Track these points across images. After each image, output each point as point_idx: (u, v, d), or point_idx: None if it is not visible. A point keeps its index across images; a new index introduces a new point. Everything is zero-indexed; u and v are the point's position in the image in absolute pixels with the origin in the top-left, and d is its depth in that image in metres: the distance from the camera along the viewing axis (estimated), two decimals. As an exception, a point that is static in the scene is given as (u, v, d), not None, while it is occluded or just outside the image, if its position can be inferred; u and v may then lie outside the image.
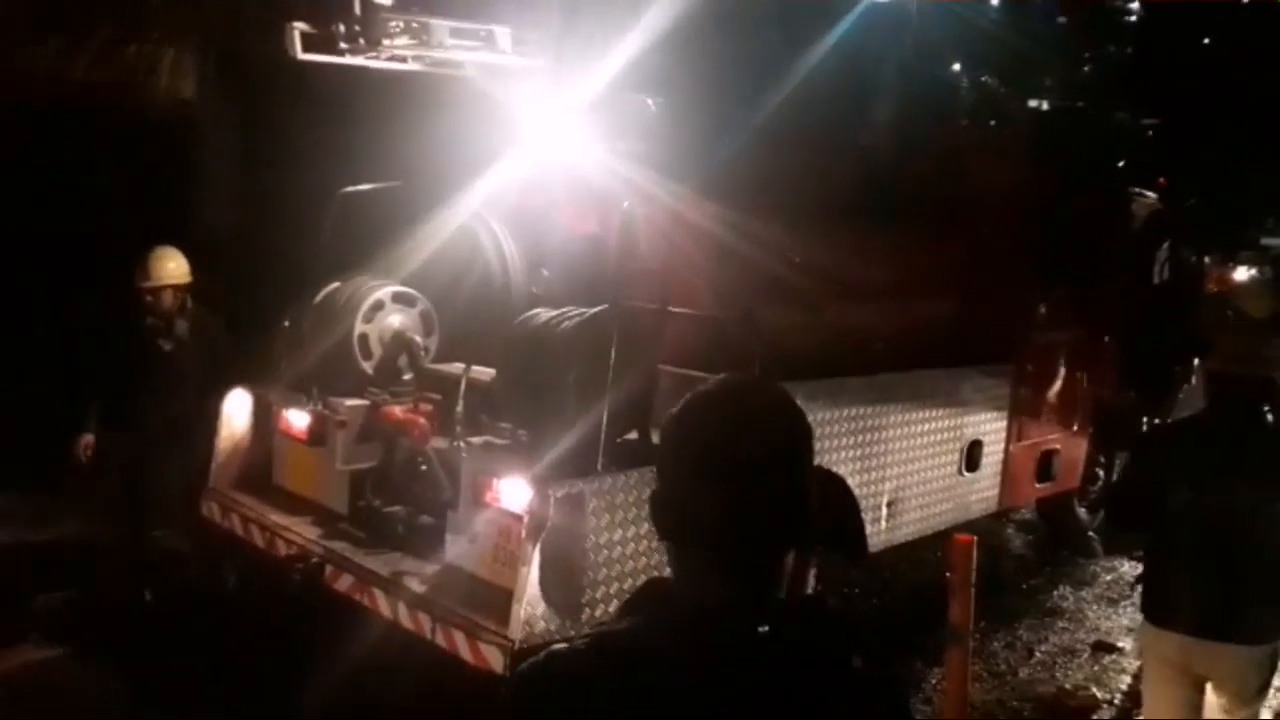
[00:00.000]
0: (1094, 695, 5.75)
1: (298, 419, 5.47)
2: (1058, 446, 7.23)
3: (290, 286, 5.72)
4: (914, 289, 6.15)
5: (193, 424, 5.78)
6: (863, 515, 5.58)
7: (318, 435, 5.39)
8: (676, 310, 5.09)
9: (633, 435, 4.72)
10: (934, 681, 5.38)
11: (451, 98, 5.41)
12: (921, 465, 5.93)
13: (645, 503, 4.56)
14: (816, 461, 1.57)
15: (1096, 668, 6.14)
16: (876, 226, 5.89)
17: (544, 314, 4.81)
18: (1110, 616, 6.93)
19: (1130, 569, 7.53)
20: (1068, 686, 5.84)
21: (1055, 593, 7.26)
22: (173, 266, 5.94)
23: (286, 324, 5.68)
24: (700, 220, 5.16)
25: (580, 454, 4.31)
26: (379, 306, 5.51)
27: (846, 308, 5.62)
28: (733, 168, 5.27)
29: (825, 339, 5.42)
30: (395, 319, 5.56)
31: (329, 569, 4.82)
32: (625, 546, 4.38)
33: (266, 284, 5.79)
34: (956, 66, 8.63)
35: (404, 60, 5.26)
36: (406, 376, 5.48)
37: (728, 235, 5.09)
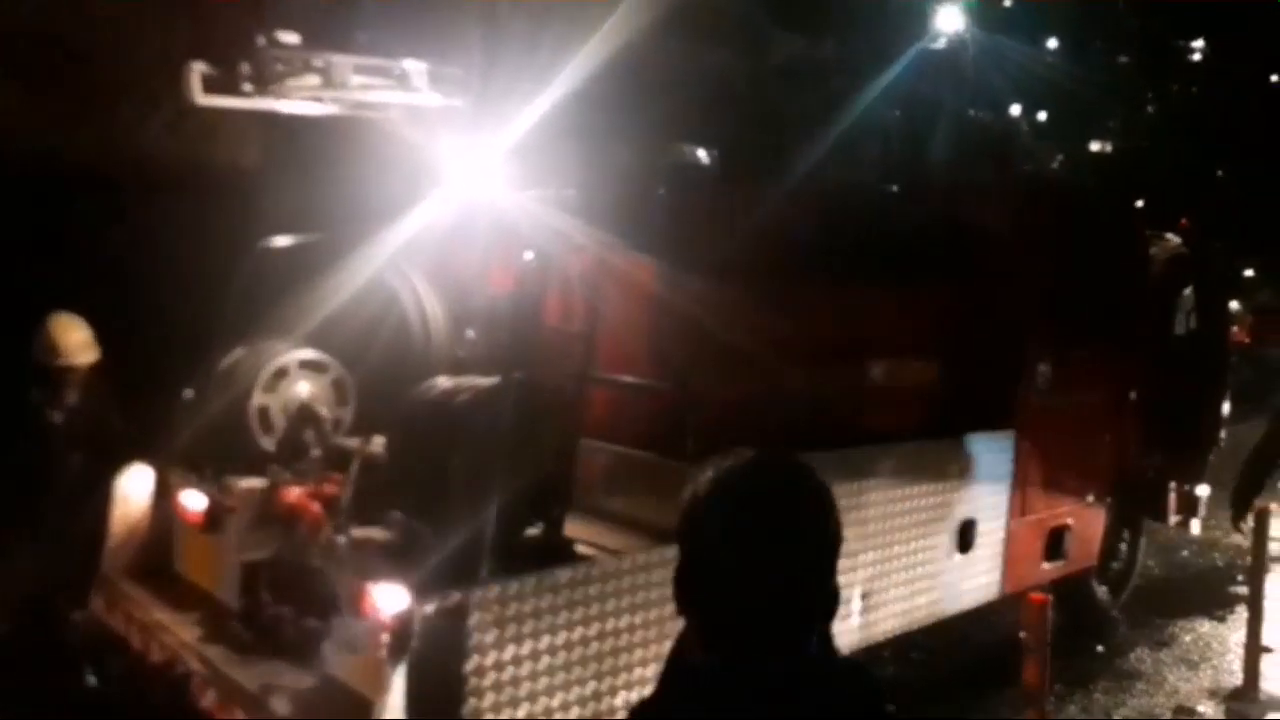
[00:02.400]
0: None
1: (194, 501, 4.76)
2: (1069, 521, 6.32)
3: (197, 351, 5.04)
4: (897, 348, 5.33)
5: (83, 501, 5.10)
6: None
7: (213, 520, 4.68)
8: (603, 378, 4.35)
9: (537, 529, 3.95)
10: None
11: (365, 142, 4.73)
12: (903, 550, 5.07)
13: (551, 612, 3.86)
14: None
15: None
16: (853, 279, 5.10)
17: (442, 383, 4.07)
18: (1190, 679, 6.55)
19: (1210, 628, 7.23)
20: None
21: (1133, 655, 6.86)
22: (82, 339, 5.27)
23: (189, 393, 4.99)
24: (638, 276, 4.42)
25: (465, 556, 3.55)
26: (282, 374, 4.81)
27: (814, 372, 4.81)
28: (681, 216, 4.54)
29: (787, 408, 4.61)
30: (301, 388, 4.85)
31: (196, 680, 4.09)
32: (520, 667, 3.60)
33: (172, 348, 5.12)
34: (1015, 109, 7.90)
35: (314, 102, 4.62)
36: (315, 453, 4.76)
37: (670, 293, 4.34)
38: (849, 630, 4.87)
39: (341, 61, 4.41)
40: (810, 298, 4.81)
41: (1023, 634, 4.31)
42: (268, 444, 4.75)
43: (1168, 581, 8.50)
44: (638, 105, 4.82)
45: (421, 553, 3.70)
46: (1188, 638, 7.22)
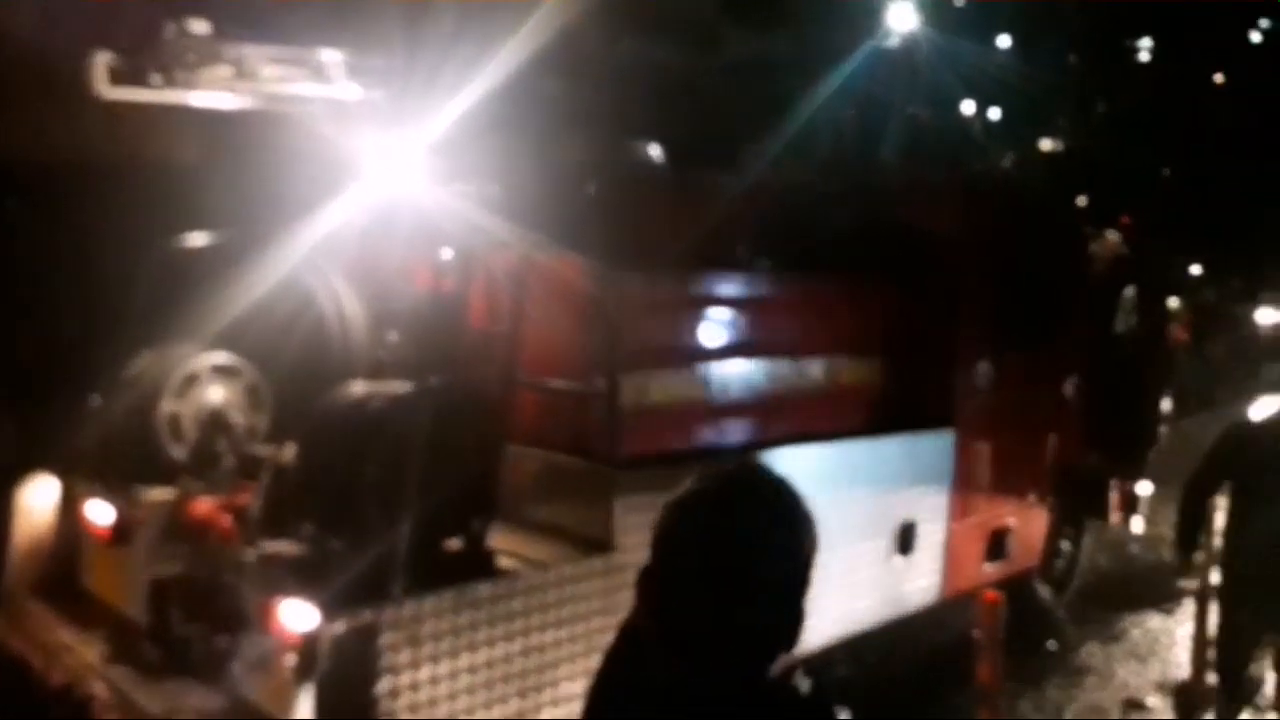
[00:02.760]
0: None
1: (100, 513, 4.52)
2: (1011, 522, 6.25)
3: (104, 355, 4.79)
4: (835, 347, 5.21)
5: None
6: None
7: (121, 533, 4.44)
8: (531, 381, 4.18)
9: (458, 542, 3.77)
10: None
11: (279, 136, 4.51)
12: (840, 554, 4.94)
13: (470, 629, 3.68)
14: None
15: None
16: (790, 277, 4.98)
17: (356, 389, 3.87)
18: (1139, 673, 6.56)
19: (1159, 623, 7.29)
20: None
21: (1084, 650, 6.82)
22: None
23: (96, 399, 4.75)
24: (565, 275, 4.25)
25: (377, 571, 3.36)
26: (193, 380, 4.58)
27: (748, 373, 4.68)
28: (611, 213, 4.39)
29: (720, 411, 4.48)
30: (213, 394, 4.62)
31: (98, 704, 3.86)
32: (438, 687, 3.42)
33: (77, 352, 4.86)
34: (968, 107, 7.81)
35: (227, 94, 4.40)
36: (229, 462, 4.54)
37: (599, 292, 4.17)
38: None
39: (255, 52, 4.20)
40: (745, 296, 4.67)
41: (976, 632, 4.32)
42: (179, 453, 4.53)
43: (1116, 577, 8.43)
44: (571, 99, 4.63)
45: (333, 568, 3.52)
46: (1136, 632, 7.21)
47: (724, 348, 4.52)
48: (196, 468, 4.48)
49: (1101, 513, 7.31)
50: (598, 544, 3.92)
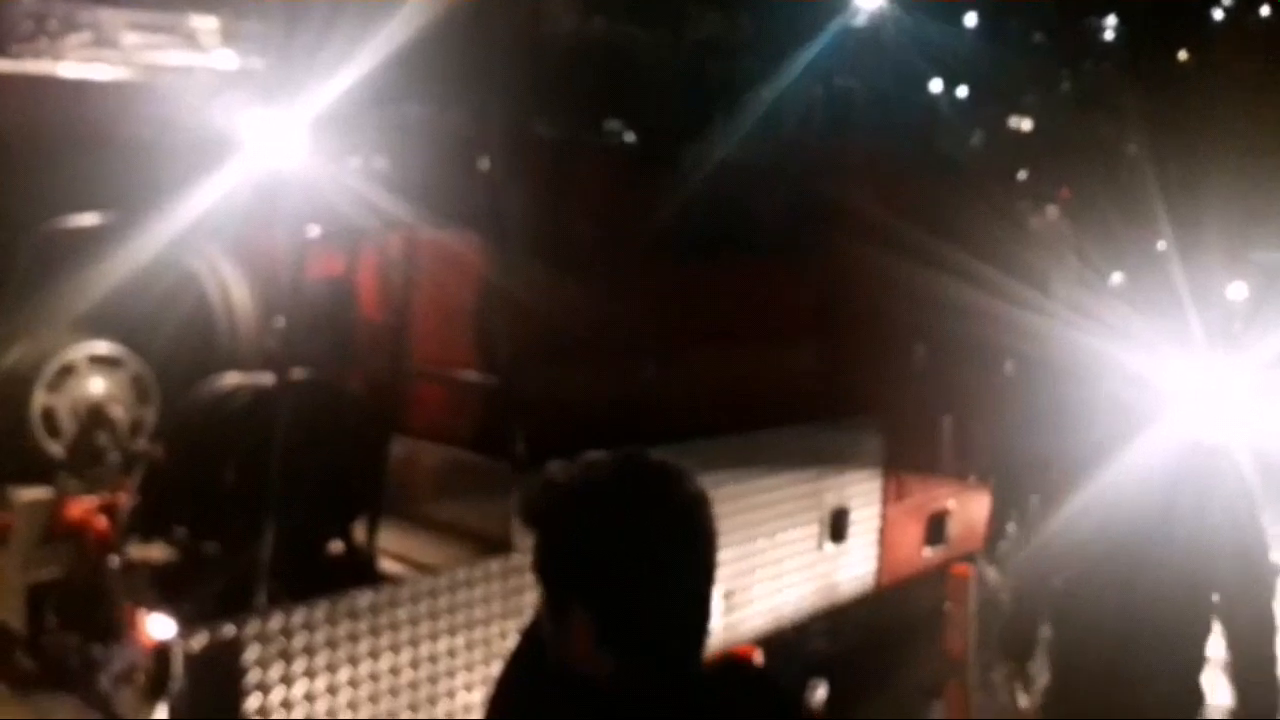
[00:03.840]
0: None
1: (-28, 515, 4.21)
2: (950, 505, 6.06)
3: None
4: (755, 332, 4.97)
5: None
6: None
7: (-2, 535, 4.14)
8: (423, 371, 3.91)
9: (340, 546, 3.50)
10: (935, 716, 5.02)
11: (152, 109, 4.19)
12: (768, 544, 4.73)
13: (350, 641, 3.41)
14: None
15: None
16: (704, 258, 4.72)
17: (226, 382, 3.57)
18: None
19: None
20: None
21: None
22: None
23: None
24: (458, 257, 3.98)
25: (241, 579, 3.09)
26: (69, 371, 4.25)
27: (661, 361, 4.43)
28: (508, 190, 4.10)
29: (629, 403, 4.22)
30: (93, 386, 4.30)
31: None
32: (315, 704, 3.17)
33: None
34: (936, 85, 7.52)
35: (93, 64, 4.07)
36: (113, 458, 4.24)
37: (496, 276, 3.90)
38: (711, 631, 4.52)
39: (115, 17, 3.88)
40: (656, 280, 4.41)
41: (947, 605, 4.34)
42: (55, 449, 4.22)
43: None
44: (476, 68, 4.33)
45: (198, 576, 3.25)
46: None
47: (634, 334, 4.26)
48: (75, 465, 4.18)
49: (1042, 491, 7.14)
50: (496, 545, 3.67)
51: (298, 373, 3.49)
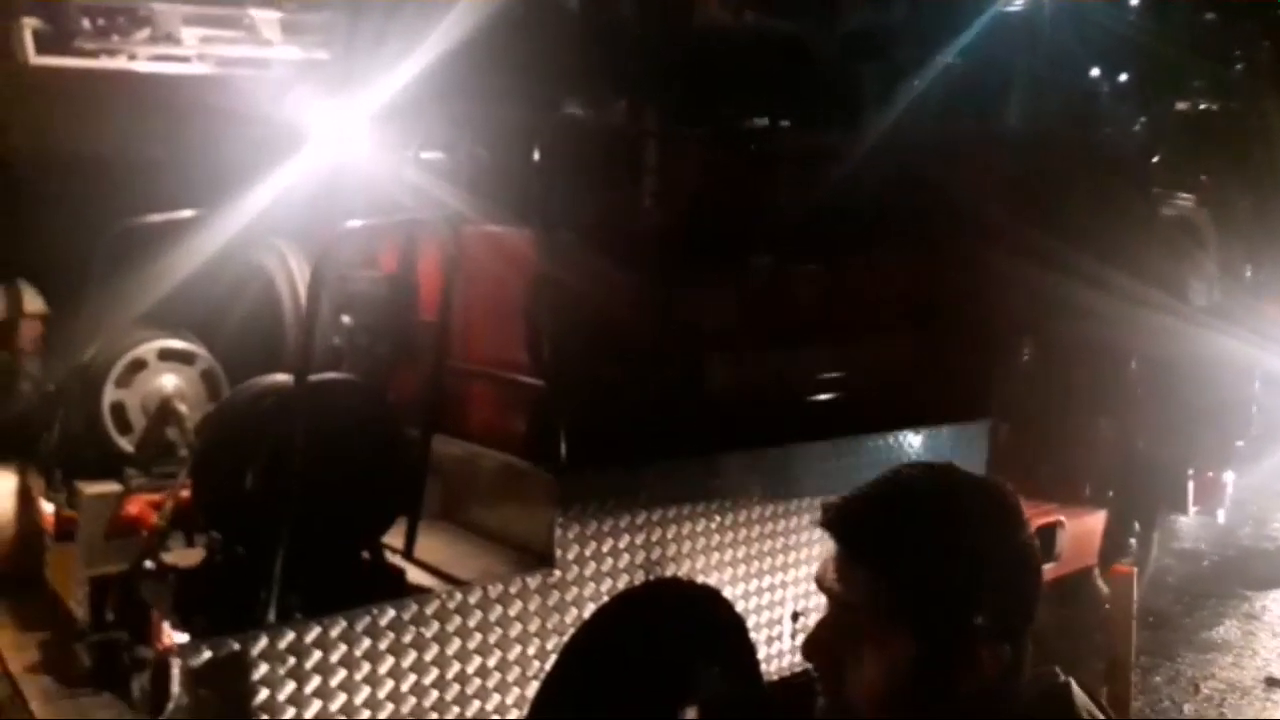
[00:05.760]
0: None
1: (48, 507, 4.14)
2: (1061, 518, 5.39)
3: (59, 342, 4.39)
4: (846, 329, 4.46)
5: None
6: (755, 635, 3.95)
7: (64, 528, 4.05)
8: (467, 369, 3.59)
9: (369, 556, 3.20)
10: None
11: (217, 103, 4.00)
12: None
13: (370, 660, 3.08)
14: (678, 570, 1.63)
15: (1270, 704, 5.50)
16: (788, 250, 4.25)
17: (261, 383, 3.31)
18: None
19: None
20: None
21: (1220, 627, 6.49)
22: None
23: (52, 388, 4.36)
24: (505, 252, 3.64)
25: (254, 591, 2.82)
26: (139, 366, 4.12)
27: (732, 359, 3.99)
28: (560, 183, 3.72)
29: (691, 403, 3.80)
30: (164, 381, 4.16)
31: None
32: (329, 725, 2.87)
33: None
34: (1095, 71, 6.84)
35: (163, 60, 3.91)
36: (183, 454, 4.08)
37: (543, 273, 3.53)
38: (780, 653, 4.07)
39: (174, 11, 3.69)
40: (728, 272, 3.96)
41: (1108, 605, 4.26)
42: (126, 445, 4.10)
43: (1256, 555, 7.94)
44: (545, 59, 3.97)
45: (220, 584, 3.01)
46: (1279, 610, 6.77)
47: (701, 331, 3.83)
48: (144, 460, 4.06)
49: (1179, 505, 6.38)
50: (538, 558, 3.32)
51: (331, 374, 3.21)
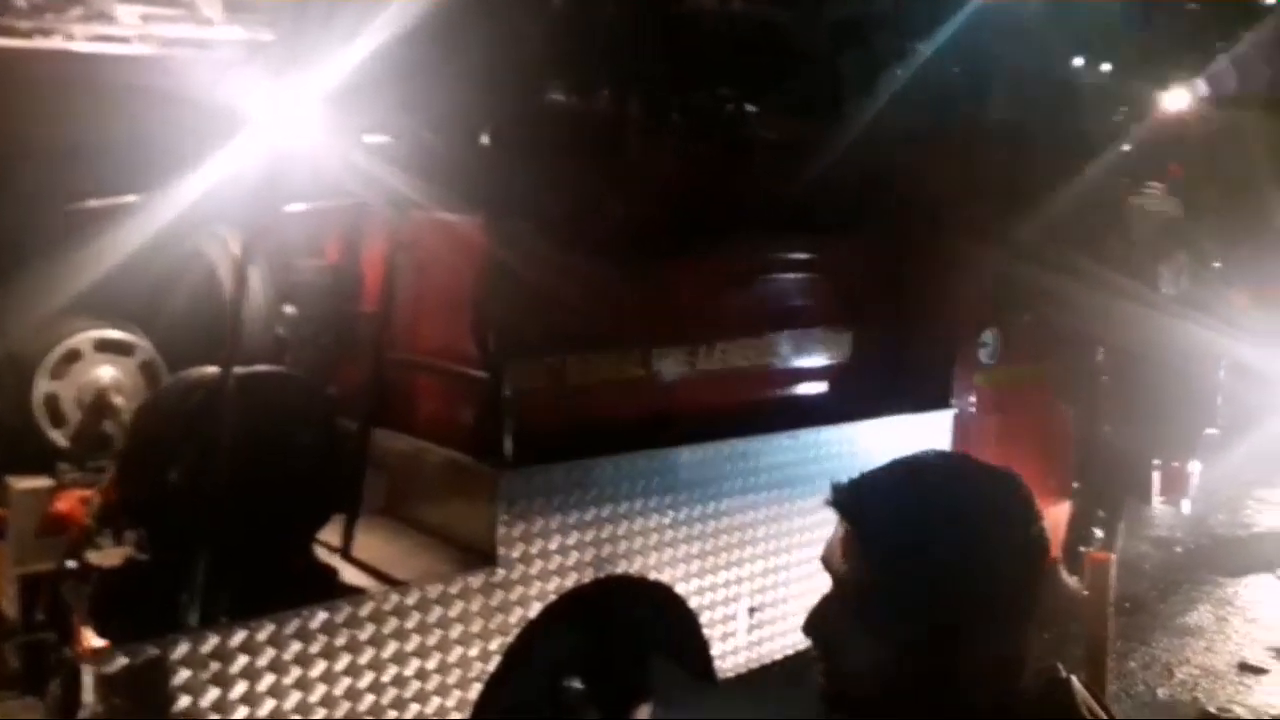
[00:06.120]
0: (1242, 715, 5.24)
1: (-22, 503, 3.96)
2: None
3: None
4: (802, 318, 4.34)
5: None
6: (710, 631, 3.83)
7: (-5, 525, 3.88)
8: (409, 360, 3.45)
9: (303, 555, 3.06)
10: None
11: (157, 84, 3.82)
12: (802, 555, 4.12)
13: (299, 665, 2.93)
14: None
15: (1242, 688, 5.55)
16: (744, 237, 4.12)
17: (191, 376, 3.16)
18: (1254, 636, 6.25)
19: (1275, 586, 7.08)
20: (1211, 709, 5.25)
21: (1194, 613, 6.59)
22: None
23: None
24: (447, 240, 3.49)
25: (174, 593, 2.68)
26: (74, 357, 3.94)
27: (685, 350, 3.86)
28: (507, 170, 3.57)
29: (644, 394, 3.68)
30: (100, 373, 3.98)
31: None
32: (256, 733, 2.73)
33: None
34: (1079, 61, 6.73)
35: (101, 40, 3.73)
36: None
37: (488, 261, 3.39)
38: (736, 649, 3.96)
39: (112, -11, 3.51)
40: (682, 260, 3.82)
41: (1085, 591, 4.27)
42: (59, 438, 3.92)
43: (1229, 542, 8.06)
44: (501, 41, 3.81)
45: (142, 585, 2.86)
46: (1251, 596, 6.89)
47: (657, 322, 3.70)
48: (78, 455, 3.88)
49: (1144, 495, 6.32)
50: (479, 557, 3.19)
51: (264, 366, 3.07)
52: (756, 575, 3.98)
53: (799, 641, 4.19)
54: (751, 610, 3.96)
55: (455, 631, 3.09)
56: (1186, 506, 6.82)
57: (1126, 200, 5.94)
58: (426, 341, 3.51)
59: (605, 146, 3.93)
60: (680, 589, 3.70)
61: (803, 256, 4.26)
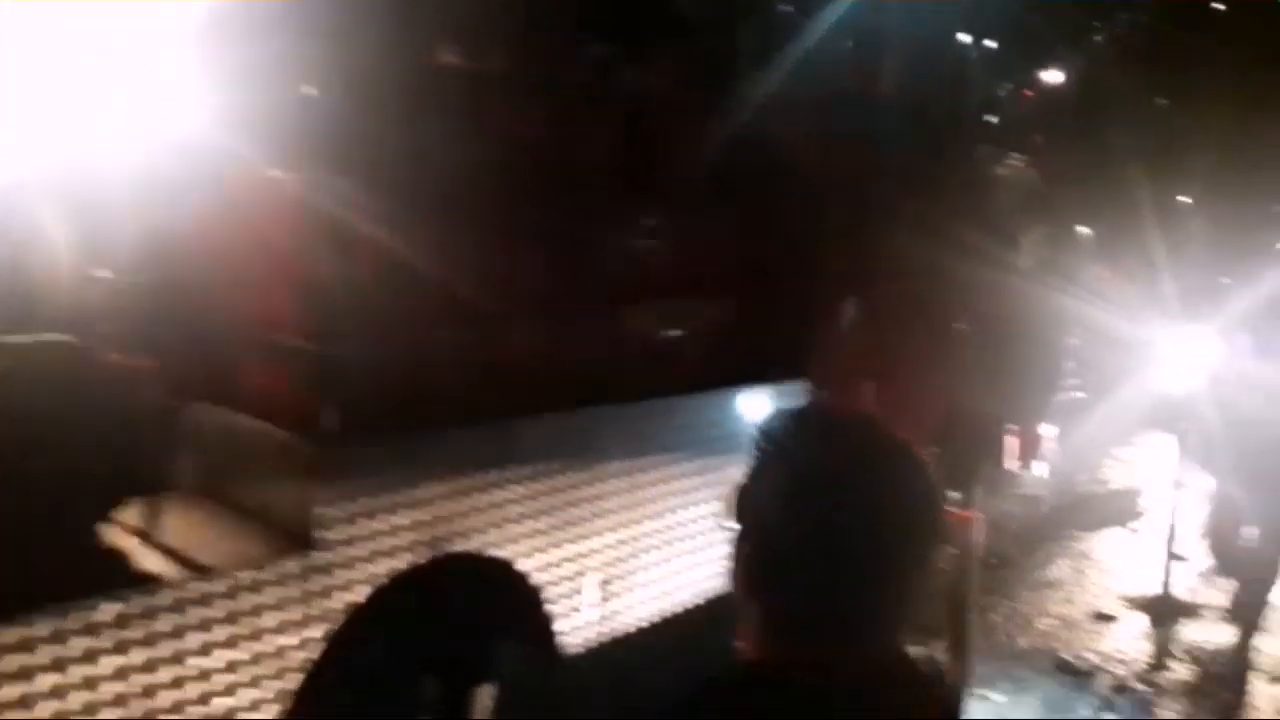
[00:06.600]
0: (1094, 661, 5.50)
1: None
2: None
3: None
4: (666, 290, 4.20)
5: None
6: (556, 606, 3.69)
7: None
8: (227, 327, 3.18)
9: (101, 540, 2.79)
10: (937, 655, 4.80)
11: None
12: (656, 525, 4.01)
13: (86, 660, 2.62)
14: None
15: (1095, 636, 5.87)
16: (631, 208, 3.94)
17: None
18: (1109, 586, 6.62)
19: (1129, 540, 7.42)
20: (1067, 657, 5.50)
21: (1054, 566, 6.95)
22: None
23: None
24: (296, 201, 3.21)
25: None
26: None
27: (535, 323, 3.67)
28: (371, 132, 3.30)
29: (476, 365, 3.47)
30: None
31: None
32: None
33: None
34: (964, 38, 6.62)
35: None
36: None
37: (305, 216, 3.12)
38: (588, 624, 3.83)
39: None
40: (527, 235, 3.61)
41: (950, 549, 4.40)
42: None
43: (1089, 499, 8.46)
44: None
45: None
46: (1106, 549, 7.28)
47: (489, 287, 3.48)
48: None
49: (997, 458, 6.43)
50: (295, 539, 2.96)
51: (49, 335, 2.77)
52: (607, 547, 3.85)
53: (655, 612, 4.10)
54: (603, 583, 3.84)
55: (271, 620, 2.86)
56: (1041, 469, 7.00)
57: (988, 171, 5.96)
58: (246, 308, 3.23)
59: (452, 104, 3.68)
60: (523, 564, 3.54)
61: (656, 224, 4.09)
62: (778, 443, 1.23)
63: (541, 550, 3.60)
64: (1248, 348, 5.23)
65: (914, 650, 1.28)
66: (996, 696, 5.03)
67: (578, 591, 3.77)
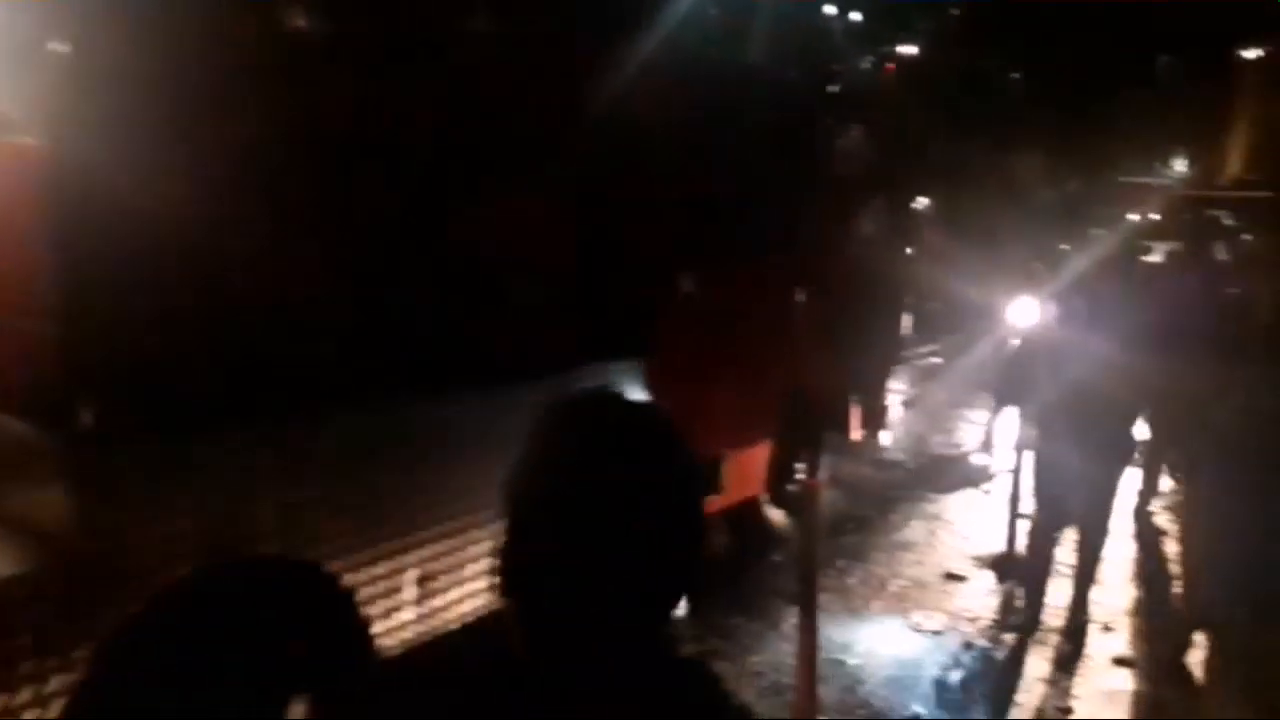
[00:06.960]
0: (944, 620, 5.64)
1: None
2: (724, 453, 5.22)
3: None
4: (495, 268, 3.96)
5: None
6: (366, 609, 3.45)
7: None
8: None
9: None
10: (792, 621, 4.80)
11: None
12: (479, 518, 3.80)
13: None
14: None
15: (945, 595, 6.04)
16: (457, 181, 3.67)
17: None
18: (959, 548, 6.79)
19: (978, 501, 7.62)
20: (918, 616, 5.69)
21: (908, 528, 7.09)
22: None
23: None
24: (38, 166, 2.84)
25: None
26: None
27: (338, 305, 3.39)
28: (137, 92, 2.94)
29: (256, 353, 3.17)
30: None
31: None
32: None
33: None
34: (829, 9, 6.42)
35: None
36: None
37: (81, 188, 2.77)
38: (404, 624, 3.60)
39: None
40: (331, 207, 3.32)
41: (799, 516, 4.51)
42: None
43: (943, 462, 8.65)
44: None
45: None
46: (958, 510, 7.45)
47: (281, 264, 3.18)
48: None
49: (841, 429, 6.47)
50: (52, 550, 2.64)
51: None
52: (426, 543, 3.62)
53: (480, 606, 3.90)
54: (421, 580, 3.61)
55: (22, 640, 2.55)
56: (885, 438, 7.09)
57: (827, 144, 5.91)
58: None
59: (235, 65, 3.33)
60: (331, 566, 3.28)
61: (481, 197, 3.85)
62: (536, 434, 1.20)
63: (347, 551, 3.34)
64: (1080, 311, 5.33)
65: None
66: (850, 660, 5.05)
67: (395, 590, 3.54)
